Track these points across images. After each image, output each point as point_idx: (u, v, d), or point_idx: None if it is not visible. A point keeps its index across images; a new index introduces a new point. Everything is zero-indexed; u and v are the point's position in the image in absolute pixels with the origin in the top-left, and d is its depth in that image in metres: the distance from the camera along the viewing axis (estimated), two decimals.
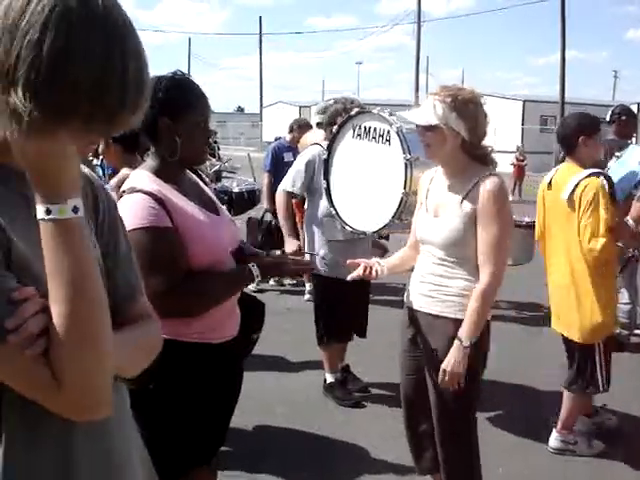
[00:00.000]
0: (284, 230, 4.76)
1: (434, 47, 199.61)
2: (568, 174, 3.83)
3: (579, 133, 3.81)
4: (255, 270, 2.29)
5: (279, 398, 4.80)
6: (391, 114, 4.11)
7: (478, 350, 2.84)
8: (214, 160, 15.76)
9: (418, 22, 36.39)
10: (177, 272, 2.13)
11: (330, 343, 4.83)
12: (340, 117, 4.55)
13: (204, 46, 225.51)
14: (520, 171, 21.10)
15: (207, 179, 2.71)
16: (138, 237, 2.10)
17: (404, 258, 3.19)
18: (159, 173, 2.28)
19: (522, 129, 32.90)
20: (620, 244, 3.85)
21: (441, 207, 2.84)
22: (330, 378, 4.88)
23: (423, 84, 43.47)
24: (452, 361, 2.73)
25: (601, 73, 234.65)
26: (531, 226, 6.12)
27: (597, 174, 3.76)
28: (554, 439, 4.08)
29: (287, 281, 8.24)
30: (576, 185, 3.72)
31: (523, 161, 21.50)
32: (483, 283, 2.72)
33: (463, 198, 2.74)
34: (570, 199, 3.73)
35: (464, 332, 2.73)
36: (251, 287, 7.83)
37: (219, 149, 23.67)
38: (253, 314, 2.63)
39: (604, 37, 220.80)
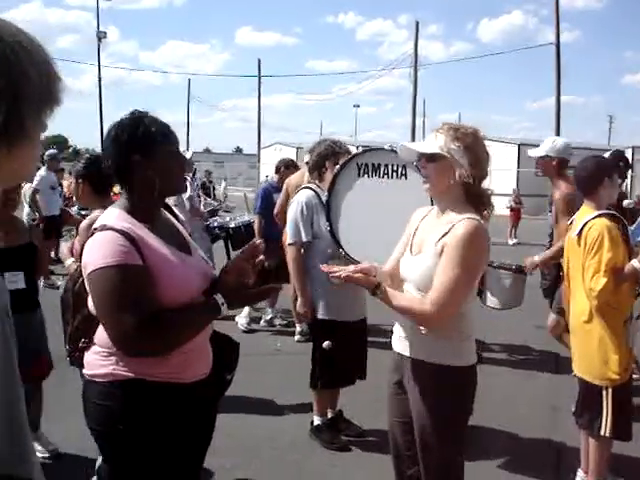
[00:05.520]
0: (298, 288, 4.60)
1: (431, 91, 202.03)
2: (583, 215, 3.85)
3: (602, 176, 3.83)
4: (219, 299, 2.24)
5: (266, 440, 4.72)
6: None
7: (463, 396, 2.81)
8: (210, 200, 15.99)
9: (415, 66, 36.87)
10: (145, 311, 2.10)
11: (325, 388, 4.74)
12: (328, 160, 4.57)
13: (204, 87, 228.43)
14: (516, 214, 21.13)
15: (182, 218, 2.69)
16: (108, 275, 2.09)
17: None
18: (132, 211, 2.27)
19: (518, 172, 33.11)
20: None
21: (423, 245, 2.80)
22: (317, 420, 4.80)
23: (420, 127, 43.96)
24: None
25: (597, 117, 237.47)
26: (521, 270, 6.12)
27: (606, 215, 3.77)
28: None
29: (277, 321, 8.20)
30: (584, 225, 3.75)
31: (519, 204, 21.57)
32: (426, 310, 2.61)
33: (440, 238, 2.67)
34: (579, 238, 3.76)
35: (387, 293, 2.68)
36: (242, 327, 7.81)
37: (215, 189, 23.90)
38: (227, 353, 2.59)
39: (600, 82, 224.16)
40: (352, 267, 2.77)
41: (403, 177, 4.13)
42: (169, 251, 2.26)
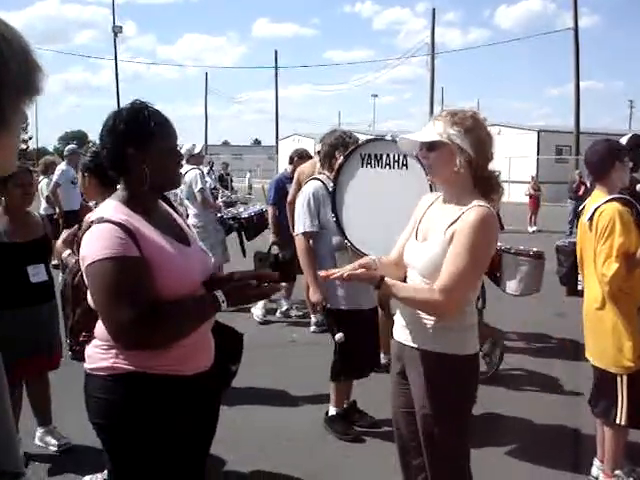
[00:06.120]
0: (308, 278, 4.59)
1: (449, 78, 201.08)
2: (594, 200, 3.78)
3: (613, 159, 3.75)
4: (220, 296, 2.19)
5: (281, 430, 4.72)
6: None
7: (466, 386, 2.78)
8: (227, 192, 16.13)
9: (432, 54, 36.64)
10: (143, 303, 2.07)
11: (345, 380, 4.73)
12: (338, 150, 4.56)
13: (222, 80, 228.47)
14: (535, 201, 20.94)
15: (181, 209, 2.68)
16: (105, 267, 2.08)
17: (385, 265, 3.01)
18: (128, 203, 2.26)
19: (537, 159, 32.84)
20: None
21: (429, 232, 2.75)
22: (332, 411, 4.79)
23: None
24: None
25: (617, 102, 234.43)
26: (539, 256, 6.04)
27: (618, 199, 3.69)
28: None
29: (293, 313, 8.20)
30: (595, 210, 3.68)
31: (538, 191, 21.37)
32: (435, 298, 2.58)
33: (448, 226, 2.62)
34: (590, 224, 3.70)
35: (392, 285, 2.67)
36: (257, 319, 7.83)
37: (232, 181, 24.04)
38: (230, 345, 2.57)
39: (620, 67, 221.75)
40: (350, 266, 2.75)
41: (404, 167, 4.13)
42: (166, 242, 2.24)
